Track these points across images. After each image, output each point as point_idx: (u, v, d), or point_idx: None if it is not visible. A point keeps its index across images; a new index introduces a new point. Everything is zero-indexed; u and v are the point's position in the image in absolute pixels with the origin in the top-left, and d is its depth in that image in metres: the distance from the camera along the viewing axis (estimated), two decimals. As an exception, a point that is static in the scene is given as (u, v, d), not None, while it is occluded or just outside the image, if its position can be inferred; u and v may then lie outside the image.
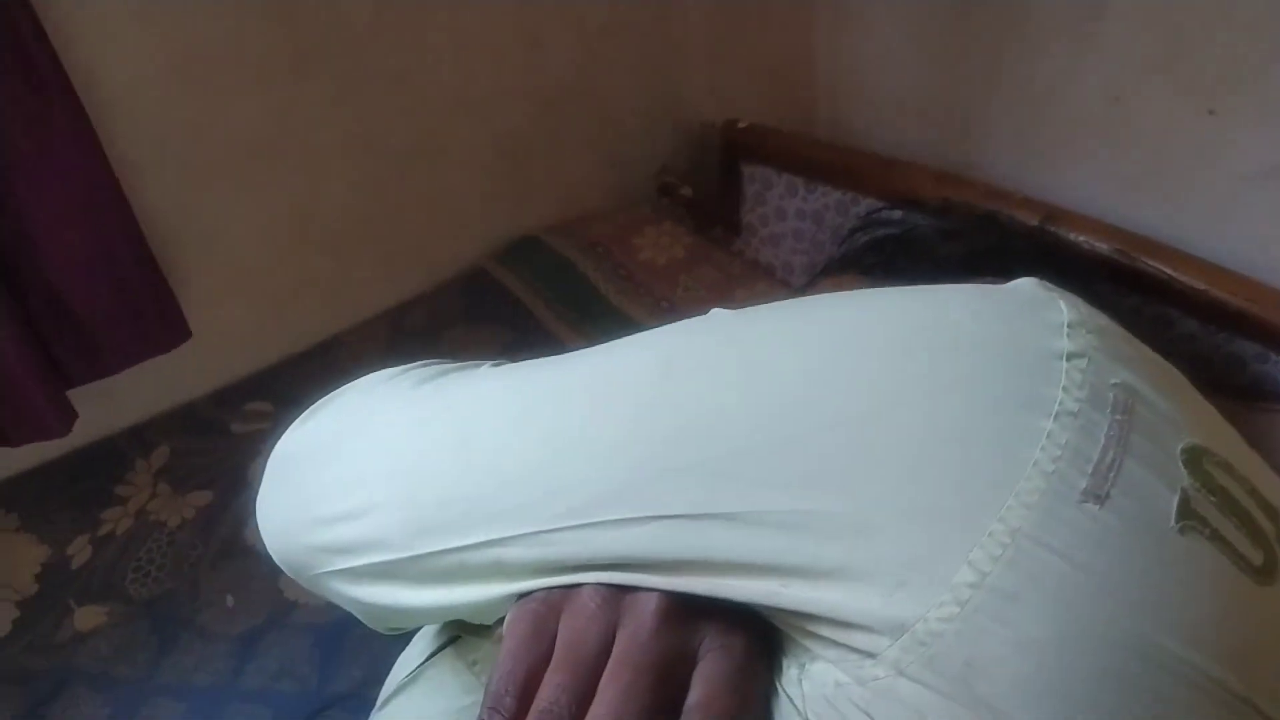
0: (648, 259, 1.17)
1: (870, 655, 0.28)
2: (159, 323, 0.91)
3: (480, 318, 1.15)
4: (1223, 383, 0.79)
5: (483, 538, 0.34)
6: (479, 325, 1.14)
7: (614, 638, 0.31)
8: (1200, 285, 0.78)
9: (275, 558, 0.45)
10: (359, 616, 0.43)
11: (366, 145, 1.05)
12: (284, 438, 0.46)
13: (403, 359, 1.14)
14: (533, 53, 1.13)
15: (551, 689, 0.30)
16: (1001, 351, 0.32)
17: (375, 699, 0.51)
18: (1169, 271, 0.79)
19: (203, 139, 0.93)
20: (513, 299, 1.16)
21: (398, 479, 0.38)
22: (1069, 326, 0.33)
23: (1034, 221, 0.84)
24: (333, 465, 0.41)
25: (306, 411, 0.47)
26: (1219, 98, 0.83)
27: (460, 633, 0.46)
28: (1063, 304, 0.34)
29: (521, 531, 0.33)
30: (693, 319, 0.39)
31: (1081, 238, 0.83)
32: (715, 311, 0.41)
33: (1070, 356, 0.31)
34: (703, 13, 1.22)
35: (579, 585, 0.33)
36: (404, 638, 0.51)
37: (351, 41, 0.98)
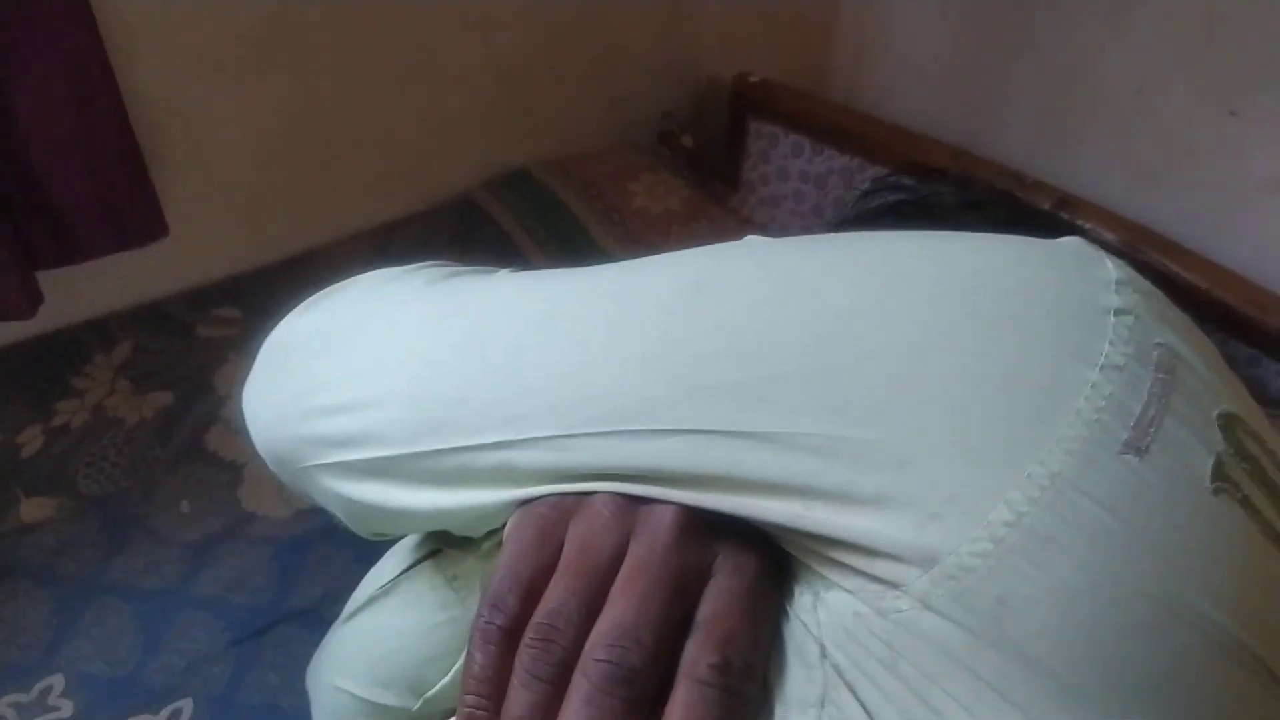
0: (642, 206, 1.15)
1: (894, 586, 0.27)
2: (137, 216, 0.87)
3: (467, 248, 1.12)
4: (1214, 383, 0.79)
5: (494, 438, 0.33)
6: (465, 255, 1.10)
7: (626, 549, 0.30)
8: (1202, 284, 0.77)
9: (259, 448, 0.42)
10: (342, 517, 0.41)
11: (363, 54, 1.00)
12: (280, 326, 0.44)
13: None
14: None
15: (560, 592, 0.29)
16: (1052, 299, 0.31)
17: (334, 617, 0.49)
18: (1173, 267, 0.78)
19: (199, 26, 0.89)
20: (501, 233, 1.13)
21: (406, 372, 0.36)
22: (1117, 284, 0.33)
23: (1045, 206, 0.83)
24: (334, 355, 0.39)
25: (304, 303, 0.45)
26: (1243, 99, 0.82)
27: (441, 546, 0.44)
28: (1109, 263, 0.34)
29: (538, 435, 0.32)
30: (724, 244, 0.37)
31: (1089, 225, 0.82)
32: (750, 238, 0.39)
33: (1118, 312, 0.31)
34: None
35: (591, 493, 0.31)
36: (371, 555, 0.49)
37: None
